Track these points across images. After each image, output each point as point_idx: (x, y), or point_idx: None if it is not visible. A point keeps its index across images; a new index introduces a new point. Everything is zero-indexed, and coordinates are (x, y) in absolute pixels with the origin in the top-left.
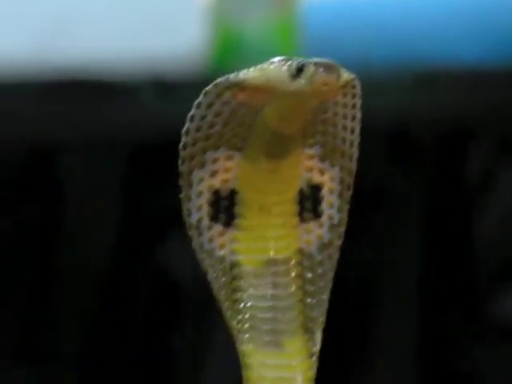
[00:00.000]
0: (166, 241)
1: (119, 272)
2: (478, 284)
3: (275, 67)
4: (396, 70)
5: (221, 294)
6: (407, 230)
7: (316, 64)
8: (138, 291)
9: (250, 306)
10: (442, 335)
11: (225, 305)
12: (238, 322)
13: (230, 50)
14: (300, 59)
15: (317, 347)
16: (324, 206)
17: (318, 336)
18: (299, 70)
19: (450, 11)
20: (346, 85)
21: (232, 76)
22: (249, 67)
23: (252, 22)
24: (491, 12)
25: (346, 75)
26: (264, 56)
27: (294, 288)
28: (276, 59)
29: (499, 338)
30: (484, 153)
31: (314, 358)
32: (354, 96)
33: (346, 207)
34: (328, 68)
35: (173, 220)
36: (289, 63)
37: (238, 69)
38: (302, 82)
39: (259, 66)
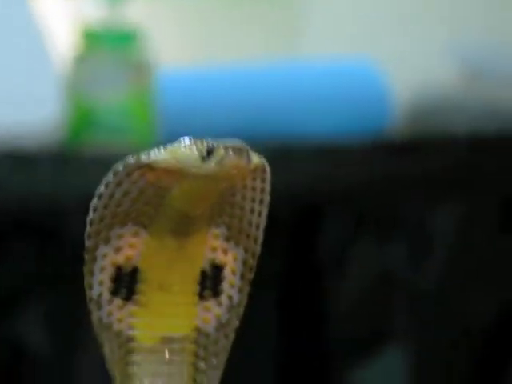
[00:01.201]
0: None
1: None
2: (331, 357)
3: (185, 149)
4: (251, 144)
5: (115, 368)
6: (263, 301)
7: (226, 147)
8: None
9: (145, 383)
10: None
11: (118, 380)
12: None
13: (85, 124)
14: (210, 141)
15: None
16: (225, 285)
17: None
18: (209, 153)
19: (307, 85)
20: (255, 169)
21: (143, 157)
22: (104, 141)
23: (108, 95)
24: (348, 85)
25: (256, 159)
26: (120, 129)
27: (187, 366)
28: (186, 141)
29: None
30: (338, 229)
31: None
32: (263, 180)
33: (247, 288)
34: (238, 151)
35: (22, 293)
36: (199, 145)
37: (93, 142)
38: (211, 164)
39: (170, 148)
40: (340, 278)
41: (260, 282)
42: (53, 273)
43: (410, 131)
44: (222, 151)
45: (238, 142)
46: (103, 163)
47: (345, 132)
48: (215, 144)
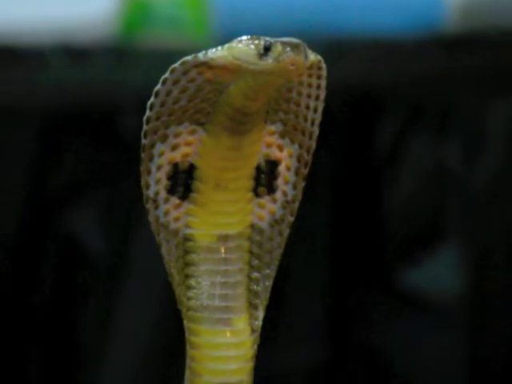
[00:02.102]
0: (73, 211)
1: (27, 239)
2: (386, 255)
3: (243, 46)
4: (308, 39)
5: (173, 268)
6: (317, 197)
7: (283, 43)
8: (46, 260)
9: (201, 282)
10: (349, 305)
11: (175, 279)
12: (189, 299)
13: (138, 19)
14: (267, 38)
15: (259, 323)
16: (280, 181)
17: (261, 313)
18: (267, 50)
19: None
20: (312, 66)
21: (200, 54)
22: (159, 34)
23: None
24: None
25: (312, 56)
26: (175, 22)
27: (243, 263)
28: (244, 38)
29: (406, 309)
30: (394, 124)
31: (256, 335)
32: (319, 77)
33: (302, 184)
34: (295, 48)
35: (80, 189)
36: (256, 42)
37: (147, 37)
38: (269, 61)
39: (227, 45)
40: (395, 173)
41: (314, 178)
42: (109, 170)
43: (465, 26)
44: (279, 48)
45: (294, 40)
46: (159, 58)
47: (400, 27)
48: (272, 41)
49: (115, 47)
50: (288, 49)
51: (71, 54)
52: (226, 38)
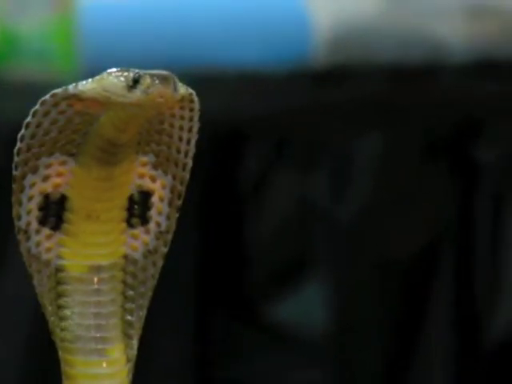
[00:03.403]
0: None
1: None
2: (252, 288)
3: (112, 78)
4: (176, 71)
5: (45, 299)
6: (184, 228)
7: (152, 76)
8: None
9: (74, 313)
10: (215, 338)
11: (48, 310)
12: (62, 330)
13: (6, 50)
14: (137, 71)
15: (134, 353)
16: (153, 212)
17: (136, 342)
18: (135, 82)
19: (229, 13)
20: (183, 99)
21: (71, 87)
22: (27, 67)
23: (29, 21)
24: (270, 15)
25: (183, 89)
26: (41, 57)
27: (116, 294)
28: (113, 70)
29: (272, 343)
30: (259, 157)
31: (131, 364)
32: (191, 110)
33: (175, 215)
34: (164, 80)
35: None
36: (125, 74)
37: (15, 69)
38: (138, 93)
39: (97, 77)
40: (260, 206)
41: (182, 210)
42: None
43: (332, 60)
44: (148, 80)
45: (164, 72)
46: (27, 91)
47: (266, 60)
48: (141, 73)
49: None
50: (157, 81)
51: None
52: (93, 71)
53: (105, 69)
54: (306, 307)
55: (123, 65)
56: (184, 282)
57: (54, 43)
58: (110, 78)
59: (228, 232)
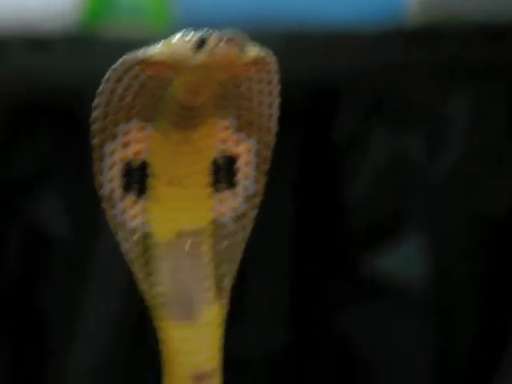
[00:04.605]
0: (36, 197)
1: None
2: (349, 241)
3: (179, 41)
4: (268, 31)
5: (135, 266)
6: (279, 187)
7: (218, 37)
8: (9, 248)
9: (164, 278)
10: (313, 294)
11: (139, 277)
12: (153, 297)
13: (101, 8)
14: (204, 32)
15: (225, 314)
16: (239, 176)
17: (227, 303)
18: (201, 43)
19: None
20: (258, 60)
21: (139, 52)
22: (120, 24)
23: None
24: None
25: (254, 51)
26: (135, 14)
27: (206, 258)
28: (180, 33)
29: (370, 297)
30: (354, 115)
31: (223, 325)
32: (268, 72)
33: (263, 179)
34: (230, 41)
35: (43, 175)
36: (192, 36)
37: (110, 26)
38: (203, 54)
39: (165, 41)
40: (357, 164)
41: (275, 168)
42: (72, 159)
43: (425, 18)
44: (213, 41)
45: (231, 32)
46: (121, 47)
47: (360, 19)
48: (208, 34)
49: (78, 36)
50: (222, 42)
51: (34, 44)
52: (187, 26)
53: (199, 24)
54: (402, 260)
55: (216, 20)
56: (281, 238)
57: (147, 1)
58: (177, 40)
59: (324, 188)
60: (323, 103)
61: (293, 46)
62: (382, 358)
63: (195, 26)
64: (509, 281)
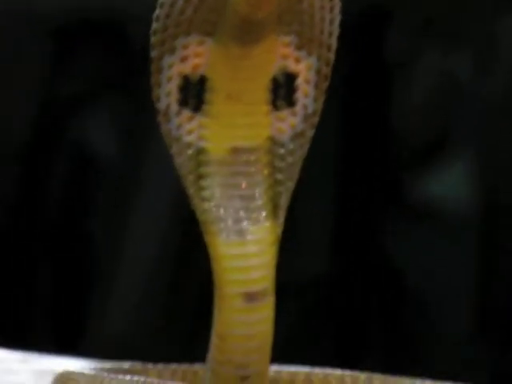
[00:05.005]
0: (82, 118)
1: (39, 146)
2: (397, 166)
3: None
4: None
5: (187, 181)
6: (326, 107)
7: None
8: (56, 167)
9: (216, 194)
10: (361, 216)
11: (191, 192)
12: (204, 212)
13: None
14: None
15: (280, 233)
16: (299, 94)
17: (282, 222)
18: None
19: None
20: None
21: None
22: None
23: None
24: None
25: None
26: None
27: (262, 176)
28: None
29: (418, 218)
30: (406, 33)
31: (277, 243)
32: None
33: (322, 98)
34: None
35: (91, 95)
36: None
37: None
38: None
39: None
40: (406, 83)
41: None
42: (122, 79)
43: None
44: None
45: None
46: None
47: None
48: None
49: None
50: None
51: None
52: None
53: None
54: (451, 183)
55: None
56: (330, 160)
57: None
58: None
59: (374, 109)
60: (375, 23)
61: None
62: (427, 283)
63: None
64: None
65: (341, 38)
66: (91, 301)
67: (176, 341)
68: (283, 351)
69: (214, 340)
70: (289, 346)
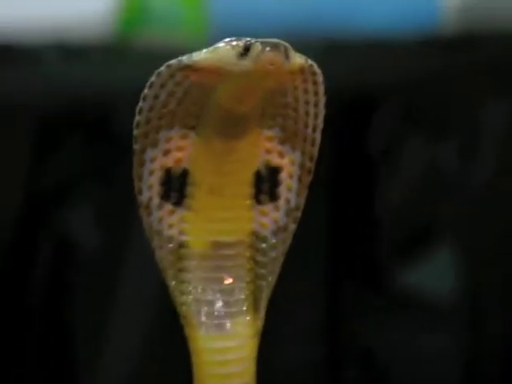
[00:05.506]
0: (67, 210)
1: (20, 239)
2: (380, 255)
3: (224, 48)
4: (306, 38)
5: (167, 274)
6: (311, 195)
7: (262, 43)
8: (38, 258)
9: (196, 288)
10: (345, 305)
11: (171, 285)
12: (184, 305)
13: (136, 17)
14: (249, 39)
15: (260, 326)
16: (282, 189)
17: (262, 316)
18: (246, 50)
19: None
20: (303, 69)
21: (184, 58)
22: (155, 34)
23: None
24: None
25: (300, 59)
26: (170, 23)
27: (243, 271)
28: (226, 39)
29: (400, 310)
30: (389, 122)
31: (257, 337)
32: (314, 83)
33: (305, 192)
34: (274, 47)
35: (72, 187)
36: (237, 43)
37: (145, 36)
38: (248, 61)
39: (211, 47)
40: (390, 173)
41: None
42: (104, 170)
43: (461, 25)
44: (258, 48)
45: (276, 40)
46: (156, 57)
47: (396, 27)
48: (252, 41)
49: (112, 46)
50: (267, 48)
51: (67, 53)
52: (223, 37)
53: (234, 34)
54: (434, 274)
55: (252, 32)
56: (314, 251)
57: (183, 9)
58: (222, 46)
59: (357, 198)
60: (359, 110)
61: (330, 54)
62: (413, 374)
63: (232, 35)
64: None
65: (325, 127)
66: None
67: None
68: None
69: None
70: None
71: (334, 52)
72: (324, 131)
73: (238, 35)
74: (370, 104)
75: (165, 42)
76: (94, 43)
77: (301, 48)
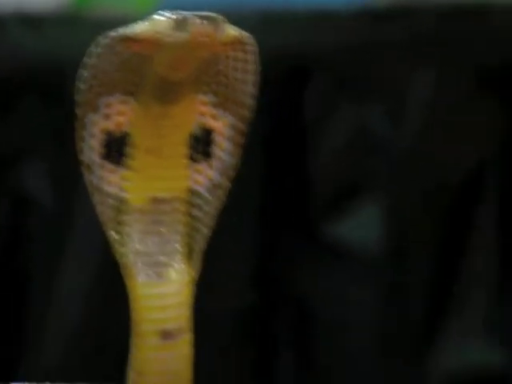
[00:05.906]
0: (21, 168)
1: None
2: (313, 208)
3: (161, 20)
4: (243, 11)
5: (107, 228)
6: (247, 152)
7: (198, 17)
8: None
9: (135, 240)
10: (276, 256)
11: (112, 237)
12: (123, 255)
13: None
14: (185, 13)
15: (195, 274)
16: (216, 149)
17: (197, 264)
18: (182, 23)
19: None
20: (235, 41)
21: (124, 29)
22: (105, 4)
23: None
24: None
25: (233, 31)
26: None
27: (179, 224)
28: (164, 13)
29: (331, 260)
30: (322, 87)
31: (192, 284)
32: (245, 52)
33: (239, 152)
34: (209, 21)
35: (30, 148)
36: (173, 16)
37: (99, 6)
38: (183, 33)
39: (149, 19)
40: (323, 134)
41: (246, 142)
42: (56, 130)
43: None
44: (193, 21)
45: (211, 14)
46: (106, 27)
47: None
48: (188, 15)
49: (67, 15)
50: (201, 22)
51: (24, 21)
52: (171, 8)
53: (182, 7)
54: (362, 227)
55: (197, 4)
56: (250, 205)
57: None
58: (160, 19)
59: (292, 159)
60: (294, 79)
61: (266, 26)
62: (337, 318)
63: (180, 7)
64: (461, 248)
65: (262, 94)
66: (23, 338)
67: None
68: None
69: (132, 375)
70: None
71: (269, 24)
72: (262, 97)
73: (183, 7)
74: (305, 72)
75: (115, 13)
76: (50, 12)
77: (237, 20)
